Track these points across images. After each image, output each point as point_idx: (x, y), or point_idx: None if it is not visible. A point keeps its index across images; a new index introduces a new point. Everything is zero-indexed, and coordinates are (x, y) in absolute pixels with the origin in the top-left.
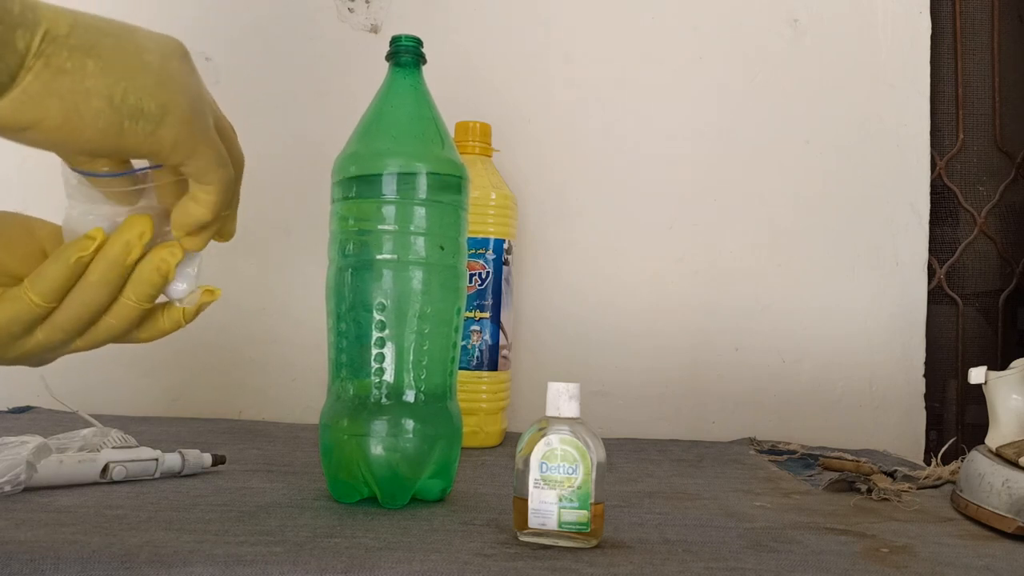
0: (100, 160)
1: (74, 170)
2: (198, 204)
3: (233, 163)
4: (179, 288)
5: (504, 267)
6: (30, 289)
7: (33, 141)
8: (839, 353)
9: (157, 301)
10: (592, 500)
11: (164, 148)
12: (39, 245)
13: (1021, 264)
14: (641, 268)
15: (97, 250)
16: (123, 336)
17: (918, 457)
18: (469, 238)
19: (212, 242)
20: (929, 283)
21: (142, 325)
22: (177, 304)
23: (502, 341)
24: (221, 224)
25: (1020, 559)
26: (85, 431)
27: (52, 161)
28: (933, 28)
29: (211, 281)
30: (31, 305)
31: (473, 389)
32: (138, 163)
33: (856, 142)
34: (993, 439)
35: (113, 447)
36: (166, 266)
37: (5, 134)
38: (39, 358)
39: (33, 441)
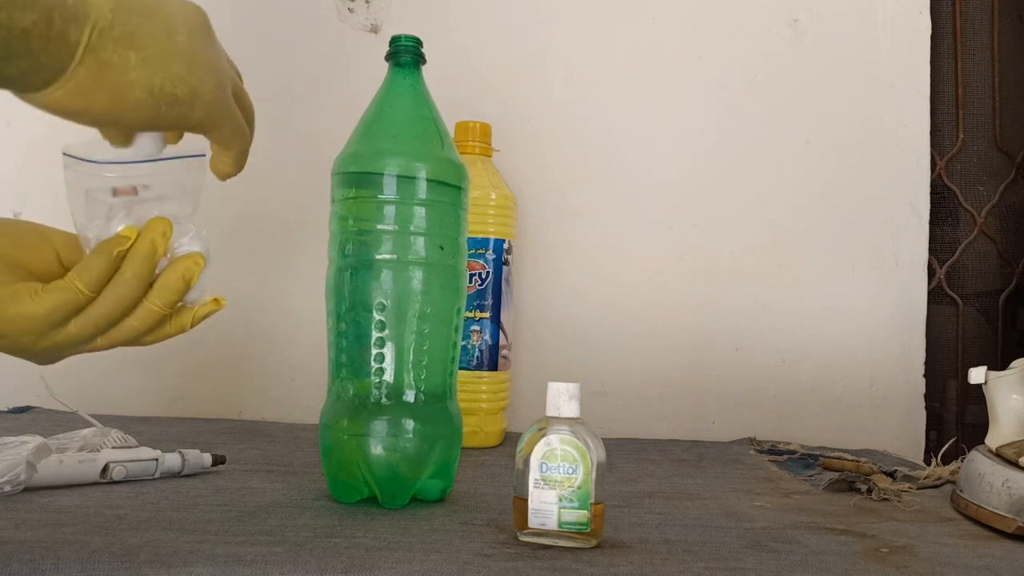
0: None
1: (92, 161)
2: (222, 164)
3: (246, 117)
4: (193, 293)
5: (504, 267)
6: (77, 279)
7: (80, 121)
8: (839, 353)
9: None
10: (592, 500)
11: (192, 126)
12: (53, 248)
13: (1021, 264)
14: (641, 268)
15: (129, 252)
16: (137, 338)
17: (918, 457)
18: (469, 238)
19: (211, 243)
20: (929, 283)
21: (151, 331)
22: (188, 306)
23: (502, 341)
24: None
25: (1020, 559)
26: (85, 431)
27: (52, 161)
28: (933, 28)
29: (211, 280)
30: (77, 293)
31: (473, 389)
32: (146, 148)
33: (856, 142)
34: (993, 439)
35: (113, 447)
36: (190, 274)
37: (56, 115)
38: (61, 353)
39: (33, 441)
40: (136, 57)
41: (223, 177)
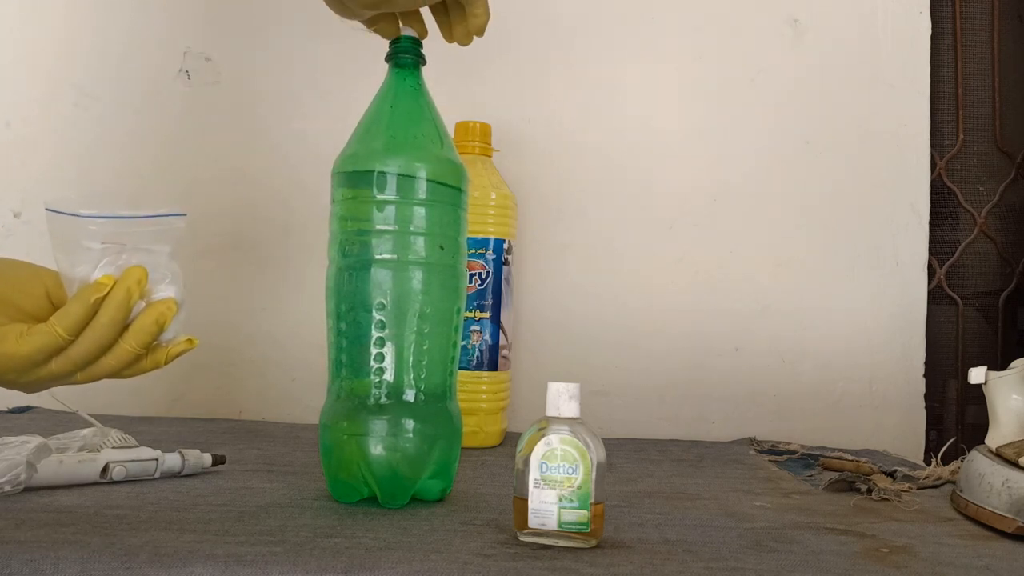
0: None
1: (75, 215)
2: (476, 17)
3: None
4: (168, 333)
5: (504, 267)
6: (58, 324)
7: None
8: (839, 353)
9: None
10: (592, 500)
11: None
12: (44, 287)
13: (1021, 264)
14: (641, 268)
15: (105, 299)
16: (111, 375)
17: (918, 457)
18: (469, 238)
19: (214, 243)
20: (929, 283)
21: (127, 368)
22: (163, 344)
23: (502, 341)
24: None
25: (1020, 559)
26: (85, 431)
27: (52, 161)
28: (933, 28)
29: (211, 280)
30: (57, 337)
31: (473, 389)
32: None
33: (856, 142)
34: (993, 439)
35: (113, 447)
36: (163, 319)
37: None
38: (44, 385)
39: (33, 441)
40: None
41: (480, 28)
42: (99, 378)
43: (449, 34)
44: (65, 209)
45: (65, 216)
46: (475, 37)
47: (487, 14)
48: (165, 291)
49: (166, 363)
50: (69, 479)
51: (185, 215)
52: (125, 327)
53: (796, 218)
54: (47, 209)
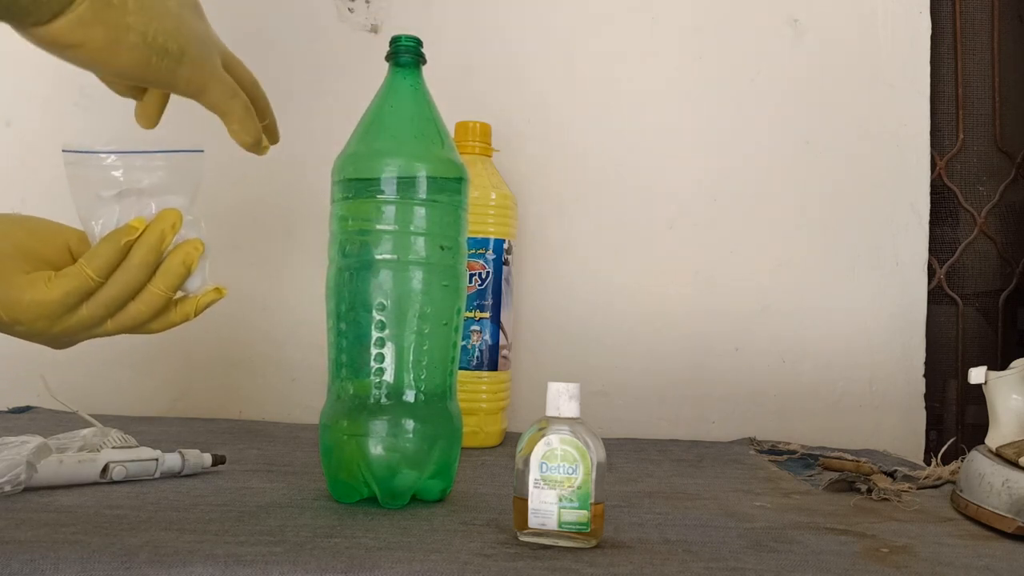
0: (127, 88)
1: (91, 152)
2: (233, 132)
3: (245, 88)
4: (195, 283)
5: (504, 267)
6: (87, 265)
7: (75, 59)
8: (839, 353)
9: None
10: (592, 500)
11: (180, 83)
12: (65, 241)
13: (1021, 264)
14: (641, 268)
15: (137, 241)
16: (144, 323)
17: (918, 457)
18: (469, 238)
19: (214, 243)
20: (929, 283)
21: (156, 316)
22: (191, 295)
23: (502, 341)
24: (267, 133)
25: (1020, 559)
26: (85, 431)
27: (52, 160)
28: (933, 28)
29: (212, 280)
30: (87, 279)
31: (473, 389)
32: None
33: (856, 142)
34: (993, 439)
35: (113, 447)
36: (190, 259)
37: (53, 50)
38: (74, 337)
39: (33, 441)
40: (134, 3)
41: (247, 147)
42: (129, 328)
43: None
44: (82, 148)
45: (82, 155)
46: (265, 147)
47: (246, 132)
48: (186, 234)
49: (195, 315)
50: (69, 479)
51: (203, 152)
52: (154, 272)
53: (796, 218)
54: (64, 150)
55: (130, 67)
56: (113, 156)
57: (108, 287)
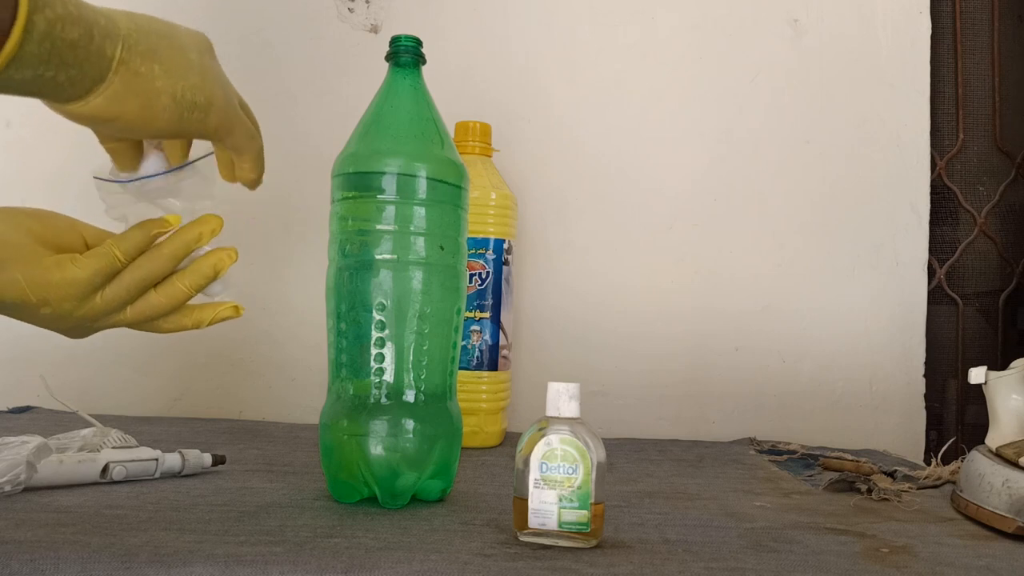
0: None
1: (120, 180)
2: (243, 171)
3: (253, 125)
4: (217, 288)
5: (504, 267)
6: (115, 246)
7: (114, 129)
8: (839, 353)
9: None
10: (592, 500)
11: (210, 131)
12: (80, 235)
13: (1021, 264)
14: (641, 268)
15: (171, 234)
16: (159, 315)
17: (918, 457)
18: (469, 238)
19: (214, 243)
20: (929, 283)
21: (170, 315)
22: (209, 303)
23: (502, 341)
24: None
25: (1020, 559)
26: (85, 431)
27: (52, 160)
28: (933, 28)
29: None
30: (114, 258)
31: (473, 389)
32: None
33: (856, 142)
34: (993, 439)
35: (113, 447)
36: (221, 265)
37: (92, 124)
38: (95, 323)
39: (33, 441)
40: (159, 69)
41: (250, 184)
42: (145, 317)
43: (225, 174)
44: (114, 177)
45: (111, 183)
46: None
47: (255, 171)
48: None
49: (209, 324)
50: (69, 479)
51: (211, 154)
52: (177, 270)
53: (796, 218)
54: (95, 178)
55: (166, 127)
56: (137, 182)
57: (132, 270)
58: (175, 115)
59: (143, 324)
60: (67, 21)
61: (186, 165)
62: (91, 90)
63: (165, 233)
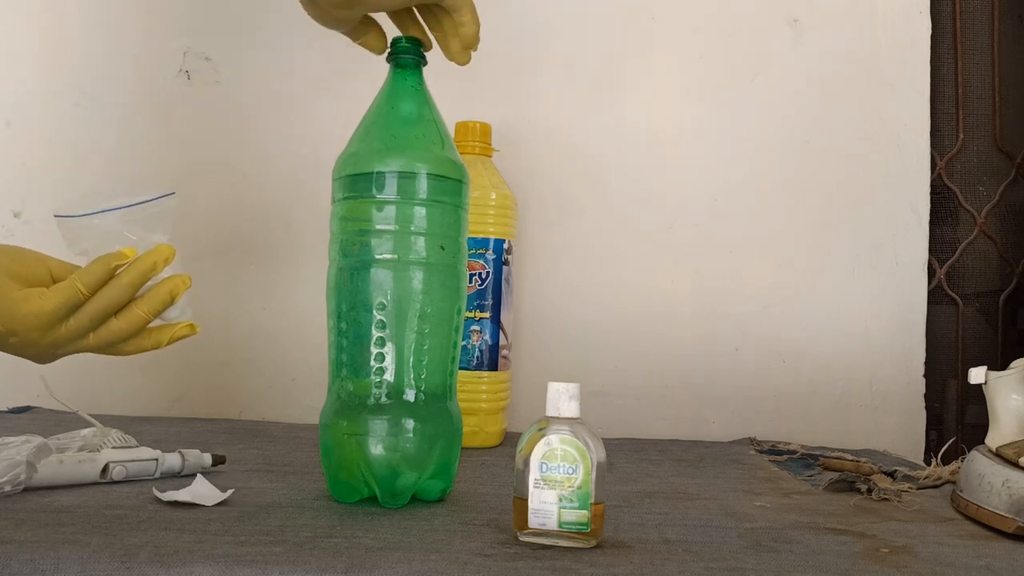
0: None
1: (78, 215)
2: (464, 25)
3: None
4: (173, 313)
5: (504, 267)
6: (78, 280)
7: (357, 9)
8: (839, 353)
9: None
10: (592, 500)
11: None
12: (47, 268)
13: (1021, 264)
14: (641, 268)
15: (128, 265)
16: (120, 341)
17: (918, 457)
18: (469, 238)
19: (214, 243)
20: (929, 283)
21: (133, 337)
22: (166, 324)
23: (502, 341)
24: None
25: (1020, 559)
26: (85, 431)
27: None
28: (933, 28)
29: (211, 280)
30: (77, 292)
31: (473, 389)
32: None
33: (856, 142)
34: (993, 439)
35: (113, 447)
36: (176, 291)
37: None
38: (60, 350)
39: (33, 441)
40: None
41: (472, 42)
42: (107, 343)
43: (447, 48)
44: (70, 212)
45: (72, 219)
46: (471, 52)
47: (475, 23)
48: (172, 270)
49: (168, 343)
50: (69, 479)
51: (174, 193)
52: (134, 296)
53: (796, 218)
54: (56, 216)
55: None
56: (97, 218)
57: (94, 301)
58: None
59: (106, 349)
60: None
61: (141, 203)
62: None
63: (123, 265)
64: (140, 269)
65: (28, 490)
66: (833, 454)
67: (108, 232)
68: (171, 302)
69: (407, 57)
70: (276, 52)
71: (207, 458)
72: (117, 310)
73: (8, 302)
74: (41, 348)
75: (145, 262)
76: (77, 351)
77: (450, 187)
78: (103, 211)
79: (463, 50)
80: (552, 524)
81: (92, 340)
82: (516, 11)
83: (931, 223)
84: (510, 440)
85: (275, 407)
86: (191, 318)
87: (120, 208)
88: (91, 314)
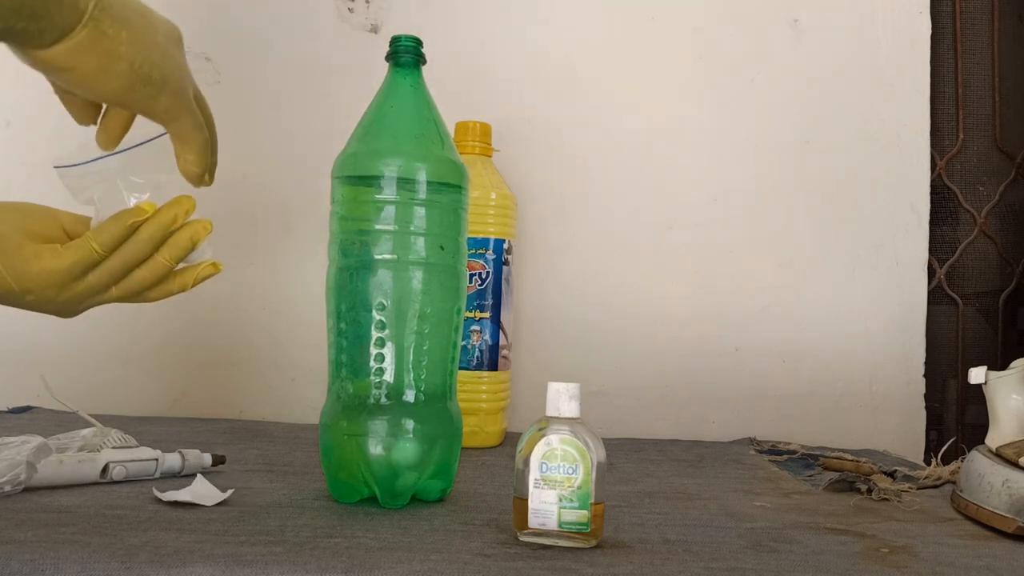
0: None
1: (78, 164)
2: (187, 162)
3: (206, 120)
4: (194, 254)
5: (504, 267)
6: (93, 239)
7: (66, 81)
8: (839, 353)
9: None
10: (592, 500)
11: (158, 111)
12: (60, 223)
13: (1021, 264)
14: (641, 268)
15: (148, 219)
16: (145, 289)
17: (918, 457)
18: (469, 238)
19: (214, 243)
20: (929, 283)
21: (157, 284)
22: (189, 266)
23: (502, 341)
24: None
25: (1020, 559)
26: (85, 431)
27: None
28: (933, 28)
29: (212, 280)
30: (92, 251)
31: (473, 389)
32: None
33: (856, 142)
34: (993, 439)
35: (113, 447)
36: (197, 236)
37: (46, 71)
38: (81, 304)
39: (33, 441)
40: (127, 35)
41: (194, 180)
42: (132, 293)
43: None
44: (70, 162)
45: (73, 168)
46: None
47: (199, 164)
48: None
49: (193, 285)
50: (69, 479)
51: (165, 133)
52: (163, 242)
53: (796, 218)
54: (55, 167)
55: (115, 93)
56: (97, 165)
57: (115, 257)
58: (128, 83)
59: (131, 298)
60: None
61: (140, 144)
62: (58, 40)
63: (141, 221)
64: (161, 223)
65: (28, 490)
66: (833, 454)
67: (112, 178)
68: (192, 248)
69: (406, 56)
70: (276, 52)
71: (207, 458)
72: (139, 263)
73: (19, 260)
74: (60, 304)
75: (166, 216)
76: (101, 303)
77: (450, 187)
78: (102, 157)
79: (193, 177)
80: (552, 524)
81: (116, 292)
82: (516, 11)
83: (931, 223)
84: (510, 440)
85: (275, 407)
86: (212, 257)
87: (119, 152)
88: (111, 270)
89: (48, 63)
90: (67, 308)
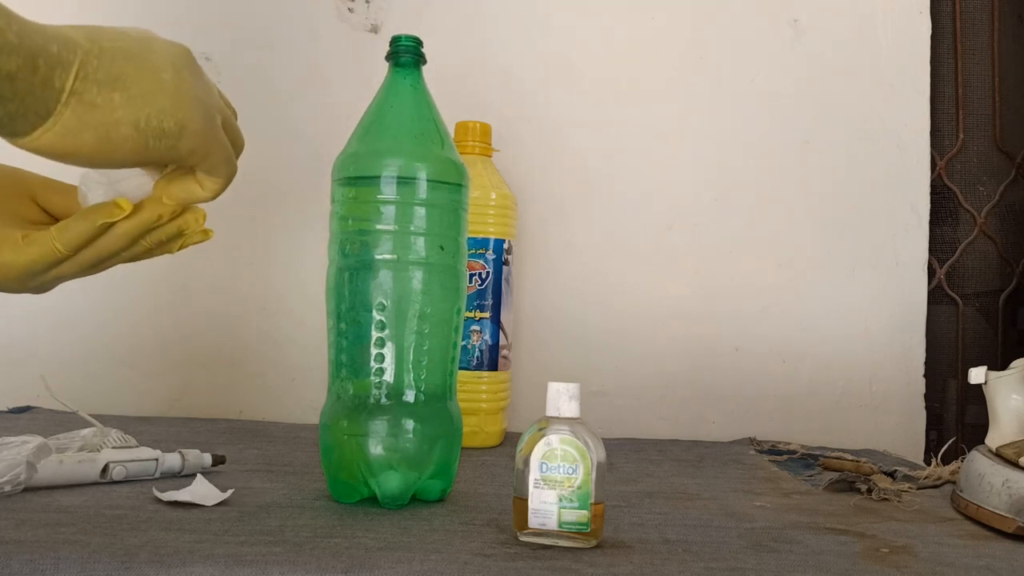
0: None
1: None
2: (203, 189)
3: (235, 149)
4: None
5: (504, 267)
6: (57, 238)
7: (74, 163)
8: (839, 353)
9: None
10: (592, 500)
11: (183, 157)
12: (29, 191)
13: (1021, 264)
14: (641, 268)
15: (123, 219)
16: (124, 262)
17: (918, 457)
18: (469, 238)
19: (213, 243)
20: (929, 283)
21: (134, 258)
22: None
23: (502, 341)
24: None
25: (1020, 559)
26: (85, 431)
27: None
28: (933, 28)
29: (212, 280)
30: (55, 251)
31: (473, 389)
32: None
33: (856, 142)
34: (993, 439)
35: (113, 447)
36: (187, 226)
37: (47, 157)
38: (51, 286)
39: (33, 441)
40: (121, 97)
41: (194, 201)
42: (110, 266)
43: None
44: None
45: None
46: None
47: (217, 195)
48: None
49: (178, 250)
50: (69, 479)
51: None
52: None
53: (796, 218)
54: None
55: (130, 157)
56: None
57: (89, 251)
58: (139, 144)
59: (108, 268)
60: (3, 51)
61: None
62: (37, 125)
63: (114, 222)
64: (141, 222)
65: (28, 490)
66: (833, 454)
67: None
68: (180, 235)
69: (406, 56)
70: (276, 52)
71: (207, 458)
72: (115, 256)
73: None
74: (29, 290)
75: (149, 215)
76: (76, 277)
77: (450, 187)
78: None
79: (179, 203)
80: (552, 524)
81: (93, 271)
82: (516, 11)
83: (931, 223)
84: (510, 440)
85: (275, 407)
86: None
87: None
88: (82, 263)
89: (45, 151)
90: (36, 291)
